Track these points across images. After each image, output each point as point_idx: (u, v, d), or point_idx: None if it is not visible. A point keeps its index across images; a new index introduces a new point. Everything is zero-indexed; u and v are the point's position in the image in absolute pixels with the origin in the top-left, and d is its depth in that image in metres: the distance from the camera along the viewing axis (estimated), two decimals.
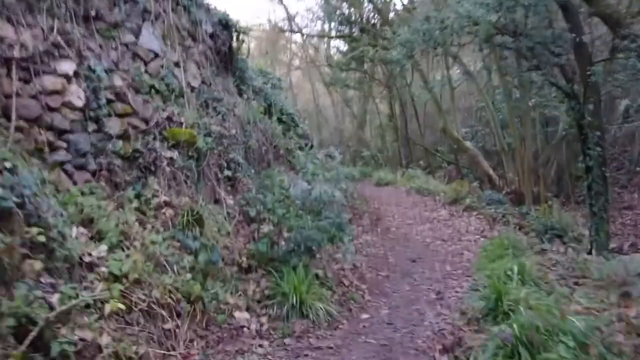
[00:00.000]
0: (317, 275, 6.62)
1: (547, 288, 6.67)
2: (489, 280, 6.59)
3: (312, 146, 13.32)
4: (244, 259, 6.68)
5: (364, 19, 26.58)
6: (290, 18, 34.23)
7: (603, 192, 11.80)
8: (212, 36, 9.44)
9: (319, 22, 32.49)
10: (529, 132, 14.46)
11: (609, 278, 7.52)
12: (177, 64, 7.82)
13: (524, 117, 14.35)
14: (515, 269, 6.94)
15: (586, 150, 11.35)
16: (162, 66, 7.31)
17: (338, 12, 26.84)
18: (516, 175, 14.51)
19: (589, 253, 11.50)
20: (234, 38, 10.46)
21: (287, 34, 40.14)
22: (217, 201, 7.57)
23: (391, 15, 25.76)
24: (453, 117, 18.42)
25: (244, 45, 11.20)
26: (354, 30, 26.56)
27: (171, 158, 6.49)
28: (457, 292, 7.27)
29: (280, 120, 11.89)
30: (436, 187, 19.49)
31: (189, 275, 5.17)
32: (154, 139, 6.44)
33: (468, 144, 16.26)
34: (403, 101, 28.27)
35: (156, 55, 7.24)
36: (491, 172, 15.65)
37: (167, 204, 5.88)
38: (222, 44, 9.87)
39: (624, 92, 18.42)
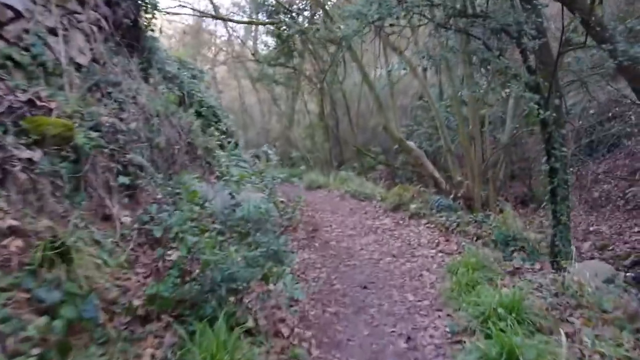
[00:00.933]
0: (245, 327, 4.61)
1: (547, 327, 5.09)
2: (478, 321, 4.88)
3: (236, 145, 11.34)
4: (141, 302, 4.62)
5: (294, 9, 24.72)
6: (215, 8, 31.87)
7: (567, 196, 10.46)
8: (109, 3, 7.34)
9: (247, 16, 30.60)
10: (479, 131, 13.03)
11: (615, 308, 6.06)
12: (53, 32, 5.71)
13: (473, 115, 12.90)
14: (504, 302, 5.31)
15: (551, 150, 9.93)
16: (26, 31, 5.20)
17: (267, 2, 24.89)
18: (465, 178, 13.06)
19: (556, 266, 10.14)
20: (142, 10, 8.37)
21: (211, 26, 37.75)
22: (106, 218, 5.47)
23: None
24: (393, 115, 16.78)
25: (155, 21, 9.08)
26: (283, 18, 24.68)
27: (30, 160, 4.40)
28: (432, 336, 5.49)
29: (198, 114, 9.86)
30: (373, 190, 17.89)
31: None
32: (4, 132, 4.34)
33: (411, 144, 14.66)
34: (334, 99, 26.60)
35: (18, 15, 5.13)
36: (437, 174, 14.11)
37: (14, 231, 3.79)
38: (125, 16, 7.79)
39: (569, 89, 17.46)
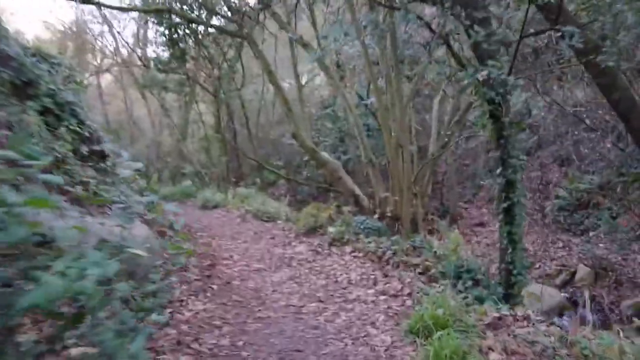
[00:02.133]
0: None
1: None
2: None
3: (104, 156, 8.55)
4: None
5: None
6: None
7: (523, 215, 8.53)
8: None
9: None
10: (407, 139, 10.93)
11: None
12: None
13: (400, 121, 10.74)
14: None
15: (507, 159, 7.94)
16: None
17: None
18: (392, 194, 10.89)
19: (512, 300, 8.29)
20: None
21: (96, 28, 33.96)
22: None
23: None
24: (304, 123, 14.25)
25: None
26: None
27: None
28: None
29: (44, 110, 6.96)
30: (277, 209, 15.47)
31: None
32: None
33: (325, 155, 12.32)
34: (231, 109, 23.91)
35: None
36: (357, 190, 11.83)
37: None
38: None
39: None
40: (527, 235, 16.48)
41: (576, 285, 14.08)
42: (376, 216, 10.43)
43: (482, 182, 21.90)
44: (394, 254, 8.19)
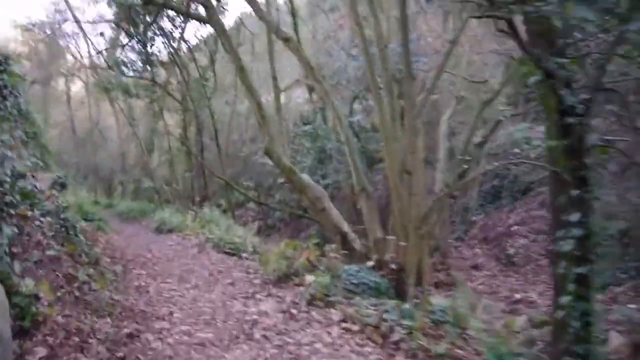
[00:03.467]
0: None
1: None
2: None
3: None
4: None
5: None
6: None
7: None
8: None
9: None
10: (418, 164, 8.13)
11: None
12: None
13: (408, 139, 7.90)
14: None
15: (589, 200, 5.22)
16: None
17: None
18: (392, 234, 8.07)
19: None
20: None
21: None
22: None
23: None
24: (281, 138, 11.20)
25: None
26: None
27: None
28: None
29: None
30: (244, 239, 12.62)
31: None
32: None
33: (306, 178, 9.35)
34: (200, 120, 20.96)
35: None
36: (346, 227, 8.84)
37: None
38: None
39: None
40: (533, 284, 13.88)
41: None
42: (370, 263, 7.60)
43: (474, 219, 19.30)
44: (409, 333, 5.36)
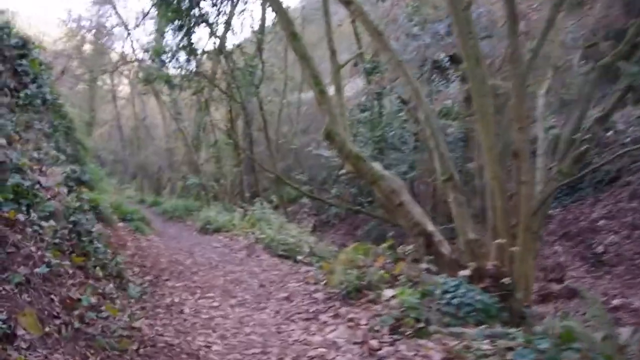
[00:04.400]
0: None
1: None
2: None
3: None
4: None
5: None
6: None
7: None
8: None
9: None
10: (526, 144, 6.10)
11: None
12: None
13: (516, 106, 5.94)
14: None
15: None
16: None
17: None
18: (493, 236, 6.15)
19: None
20: None
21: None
22: None
23: None
24: (342, 121, 9.14)
25: None
26: None
27: None
28: None
29: None
30: (298, 239, 10.97)
31: None
32: None
33: (378, 167, 7.45)
34: (248, 111, 19.34)
35: None
36: (430, 226, 6.90)
37: None
38: None
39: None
40: (634, 287, 11.76)
41: None
42: (465, 273, 5.73)
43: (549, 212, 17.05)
44: None
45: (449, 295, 5.14)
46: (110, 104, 34.19)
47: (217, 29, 18.58)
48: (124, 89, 35.98)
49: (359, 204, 17.69)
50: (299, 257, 10.26)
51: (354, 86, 23.36)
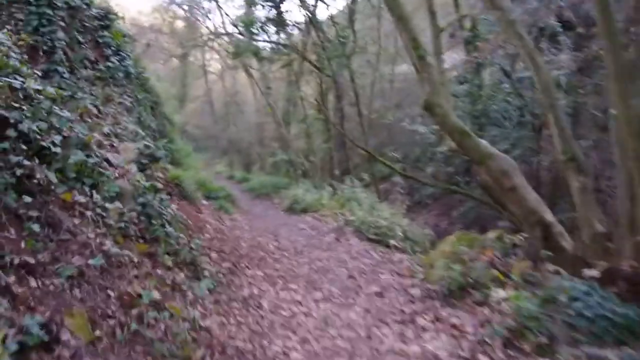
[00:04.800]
0: None
1: None
2: None
3: None
4: None
5: None
6: None
7: None
8: None
9: None
10: None
11: None
12: None
13: None
14: None
15: None
16: None
17: None
18: (626, 229, 5.05)
19: None
20: None
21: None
22: None
23: None
24: (444, 91, 7.98)
25: None
26: None
27: None
28: None
29: None
30: (391, 222, 10.10)
31: None
32: None
33: (485, 144, 6.38)
34: (339, 85, 18.52)
35: None
36: (549, 215, 5.81)
37: None
38: None
39: None
40: None
41: None
42: (591, 273, 4.66)
43: None
44: None
45: (579, 304, 4.13)
46: (202, 80, 34.40)
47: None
48: (214, 64, 36.12)
49: (455, 184, 16.51)
50: (392, 242, 9.44)
51: (451, 59, 21.99)
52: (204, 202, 11.07)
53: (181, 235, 5.57)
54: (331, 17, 18.86)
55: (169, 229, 5.32)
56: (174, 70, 35.25)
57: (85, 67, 8.51)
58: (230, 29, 24.83)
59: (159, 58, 30.32)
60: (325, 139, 19.93)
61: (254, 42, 18.51)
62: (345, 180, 14.24)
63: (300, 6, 17.95)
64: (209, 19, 31.14)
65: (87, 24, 8.94)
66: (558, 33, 13.49)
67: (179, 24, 33.87)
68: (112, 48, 9.50)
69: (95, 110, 7.31)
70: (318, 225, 10.52)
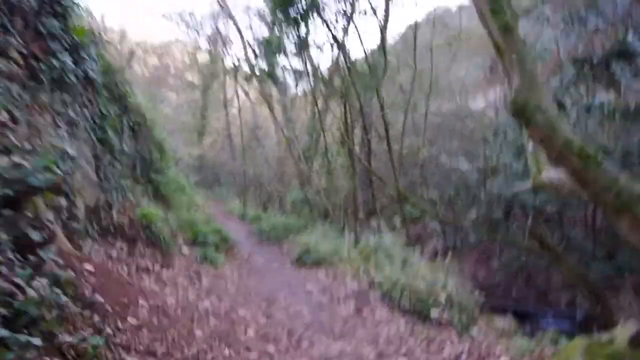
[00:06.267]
0: None
1: None
2: None
3: None
4: None
5: None
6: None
7: None
8: None
9: None
10: None
11: None
12: None
13: None
14: None
15: None
16: None
17: None
18: None
19: None
20: None
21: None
22: None
23: None
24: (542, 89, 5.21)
25: None
26: None
27: None
28: None
29: None
30: (434, 283, 7.21)
31: None
32: None
33: (627, 178, 3.72)
34: (366, 115, 15.71)
35: None
36: None
37: None
38: None
39: None
40: None
41: None
42: None
43: None
44: None
45: None
46: (222, 112, 32.13)
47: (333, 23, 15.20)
48: (233, 96, 33.91)
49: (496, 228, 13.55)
50: (434, 314, 6.55)
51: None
52: (185, 250, 8.30)
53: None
54: (359, 35, 16.16)
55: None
56: (194, 101, 33.14)
57: (9, 59, 5.92)
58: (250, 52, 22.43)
59: (174, 87, 28.21)
60: (349, 175, 16.97)
61: (275, 64, 15.97)
62: (372, 223, 11.35)
63: (325, 25, 15.35)
64: (229, 51, 28.46)
65: (23, 5, 6.38)
66: None
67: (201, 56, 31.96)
68: (64, 43, 6.88)
69: (6, 116, 4.75)
70: (333, 286, 7.60)
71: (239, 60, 26.07)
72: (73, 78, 6.77)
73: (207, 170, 32.61)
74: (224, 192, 29.24)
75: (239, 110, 25.36)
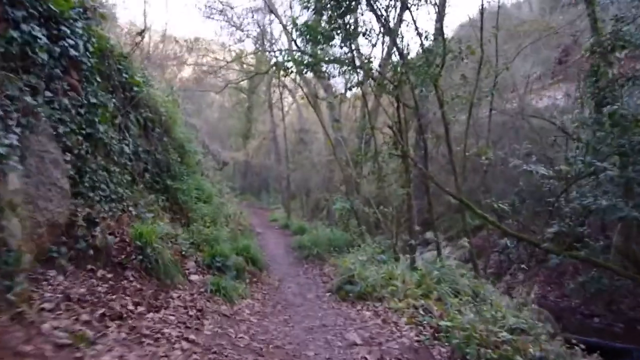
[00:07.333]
0: None
1: None
2: None
3: None
4: None
5: None
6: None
7: None
8: None
9: None
10: None
11: None
12: None
13: None
14: None
15: None
16: None
17: None
18: None
19: None
20: None
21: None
22: None
23: None
24: None
25: None
26: None
27: None
28: None
29: None
30: (518, 331, 5.04)
31: None
32: None
33: None
34: (422, 114, 13.53)
35: None
36: None
37: None
38: None
39: None
40: None
41: None
42: None
43: None
44: None
45: None
46: (268, 115, 30.58)
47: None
48: (278, 99, 32.41)
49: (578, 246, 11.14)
50: None
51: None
52: (194, 277, 6.46)
53: None
54: (414, 21, 13.98)
55: None
56: (240, 104, 31.65)
57: None
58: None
59: (216, 87, 26.75)
60: (402, 182, 14.77)
61: (316, 56, 14.06)
62: (428, 238, 9.24)
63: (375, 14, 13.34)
64: (274, 48, 26.64)
65: None
66: None
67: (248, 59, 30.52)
68: (33, 10, 5.14)
69: None
70: (381, 334, 5.55)
71: (283, 56, 24.44)
72: (44, 56, 5.04)
73: (252, 175, 31.15)
74: (271, 199, 27.62)
75: (282, 110, 23.61)
